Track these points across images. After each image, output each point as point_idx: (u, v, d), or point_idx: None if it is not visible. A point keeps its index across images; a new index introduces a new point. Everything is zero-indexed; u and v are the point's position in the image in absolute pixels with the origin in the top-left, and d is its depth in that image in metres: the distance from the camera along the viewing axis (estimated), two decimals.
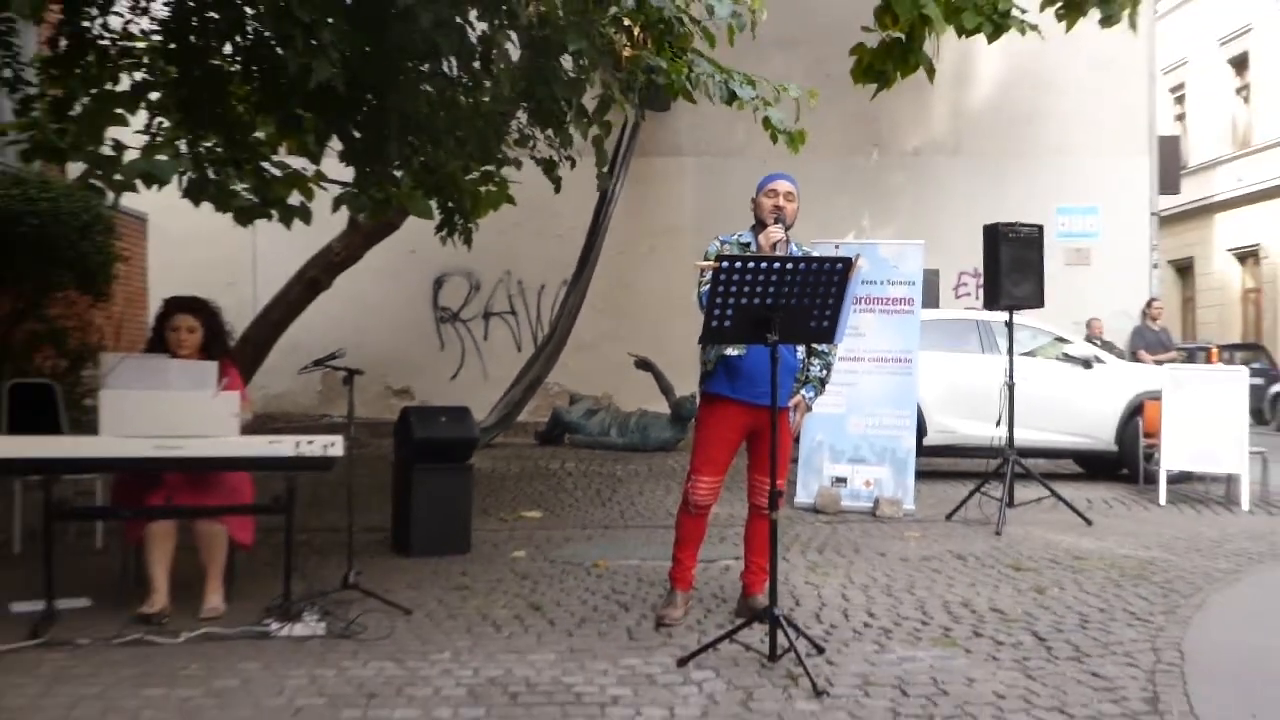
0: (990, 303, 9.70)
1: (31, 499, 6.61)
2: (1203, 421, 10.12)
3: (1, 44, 8.24)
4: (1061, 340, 12.44)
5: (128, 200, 8.35)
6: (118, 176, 7.13)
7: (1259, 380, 19.37)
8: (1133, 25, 10.37)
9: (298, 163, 8.50)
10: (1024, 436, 10.08)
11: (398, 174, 8.43)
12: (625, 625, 5.66)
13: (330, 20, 6.36)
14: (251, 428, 5.97)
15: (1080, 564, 7.34)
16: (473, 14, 7.61)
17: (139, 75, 7.96)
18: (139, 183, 7.18)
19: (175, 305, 6.15)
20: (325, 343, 7.53)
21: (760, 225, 5.64)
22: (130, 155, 7.31)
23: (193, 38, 7.53)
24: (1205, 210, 28.53)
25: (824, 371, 5.73)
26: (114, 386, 5.46)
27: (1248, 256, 27.87)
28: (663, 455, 13.89)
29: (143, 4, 7.92)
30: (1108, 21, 10.07)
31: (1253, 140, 27.44)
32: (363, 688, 4.59)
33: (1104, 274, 17.71)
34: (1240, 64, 28.16)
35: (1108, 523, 9.17)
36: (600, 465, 12.72)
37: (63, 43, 7.58)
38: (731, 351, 5.46)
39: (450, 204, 9.47)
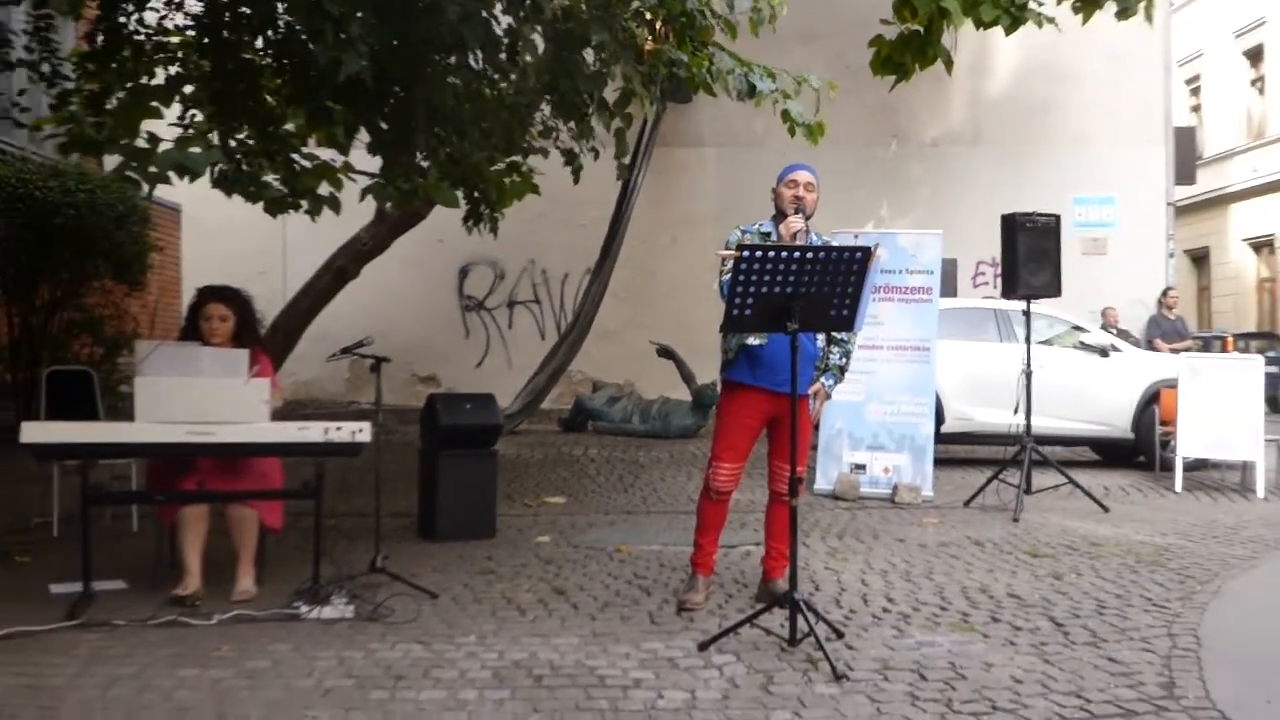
0: (1008, 292, 9.71)
1: (69, 483, 6.69)
2: (1218, 409, 10.13)
3: (40, 40, 8.36)
4: (1079, 329, 12.44)
5: (162, 192, 8.44)
6: (152, 169, 7.21)
7: (1274, 369, 19.27)
8: (1148, 18, 10.39)
9: (326, 154, 8.58)
10: (1041, 424, 10.12)
11: (424, 165, 8.51)
12: (647, 610, 5.71)
13: (359, 14, 6.42)
14: (281, 414, 6.04)
15: (1097, 550, 7.37)
16: (498, 7, 7.67)
17: (173, 69, 8.07)
18: (172, 174, 7.28)
19: (208, 294, 6.22)
20: (353, 331, 7.59)
21: (781, 215, 5.66)
22: (164, 148, 7.40)
23: (225, 32, 7.61)
24: (1221, 200, 28.39)
25: (843, 359, 5.77)
26: (148, 374, 5.55)
27: (1263, 246, 27.71)
28: (684, 442, 13.93)
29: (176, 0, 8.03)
30: (1124, 14, 10.09)
31: (1267, 131, 27.26)
32: (390, 670, 4.65)
33: (1120, 263, 17.71)
34: (1255, 56, 27.98)
35: (1124, 509, 9.19)
36: (622, 452, 12.77)
37: (99, 38, 7.68)
38: (753, 340, 5.50)
39: (476, 194, 9.55)
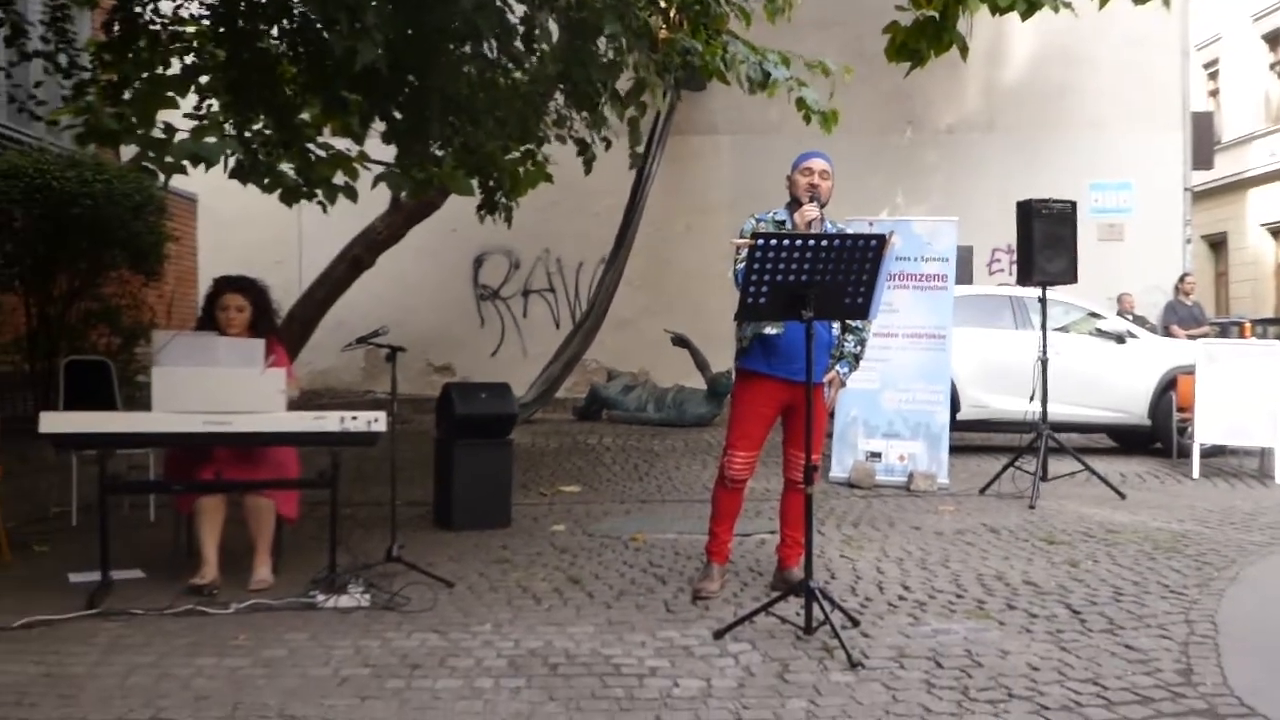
0: (1023, 278, 9.69)
1: (87, 473, 6.72)
2: (1236, 395, 10.11)
3: (56, 30, 8.37)
4: (1095, 315, 12.41)
5: (178, 182, 8.47)
6: (168, 158, 7.24)
7: None
8: (1166, 2, 10.32)
9: (341, 144, 8.60)
10: (1057, 411, 10.09)
11: (439, 154, 8.51)
12: (663, 598, 5.71)
13: (374, 3, 6.43)
14: (297, 404, 6.07)
15: (1114, 537, 7.36)
16: None
17: (189, 59, 8.08)
18: (188, 164, 7.30)
19: (225, 285, 6.25)
20: (369, 320, 7.62)
21: (795, 203, 5.66)
22: (180, 138, 7.42)
23: (241, 21, 7.62)
24: (1238, 185, 28.23)
25: (858, 347, 5.78)
26: (165, 364, 5.59)
27: None
28: (699, 430, 13.94)
29: None
30: None
31: None
32: (406, 658, 4.68)
33: (1137, 249, 17.62)
34: (1273, 40, 27.79)
35: (1141, 496, 9.18)
36: (637, 440, 12.79)
37: (115, 28, 7.70)
38: (770, 330, 5.50)
39: (491, 183, 9.55)
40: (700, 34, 8.72)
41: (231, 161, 7.81)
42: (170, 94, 7.70)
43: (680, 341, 15.03)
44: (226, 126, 7.89)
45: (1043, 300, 9.57)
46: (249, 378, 5.62)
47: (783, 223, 5.67)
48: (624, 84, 8.60)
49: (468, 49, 7.86)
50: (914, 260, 9.80)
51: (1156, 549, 6.97)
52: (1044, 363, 9.24)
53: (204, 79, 8.10)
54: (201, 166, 7.41)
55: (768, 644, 4.88)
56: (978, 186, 17.16)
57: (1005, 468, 9.33)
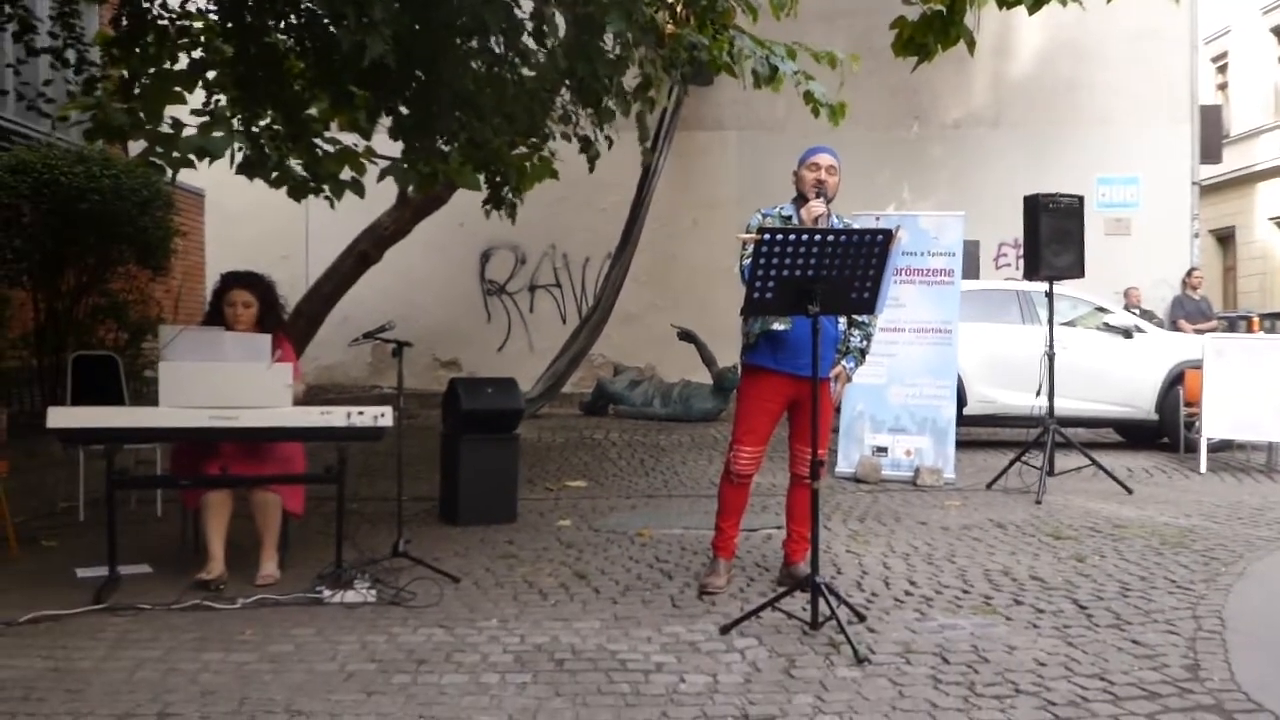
0: (1030, 273, 9.70)
1: (95, 468, 6.72)
2: (1244, 390, 10.09)
3: (65, 25, 8.39)
4: (1102, 310, 12.38)
5: (185, 177, 8.49)
6: (176, 153, 7.25)
7: None
8: None
9: (348, 139, 8.61)
10: (1064, 406, 10.09)
11: (445, 149, 8.51)
12: (669, 593, 5.72)
13: None
14: (304, 399, 6.08)
15: (1121, 532, 7.35)
16: None
17: (197, 54, 8.09)
18: (195, 159, 7.30)
19: (232, 281, 6.24)
20: (375, 315, 7.62)
21: (802, 198, 5.64)
22: (187, 133, 7.43)
23: (248, 16, 7.62)
24: (1247, 179, 28.17)
25: (864, 342, 5.78)
26: (172, 359, 5.60)
27: None
28: (705, 425, 13.96)
29: None
30: None
31: None
32: (412, 654, 4.68)
33: (1144, 244, 17.61)
34: None
35: (1148, 491, 9.16)
36: (644, 435, 12.80)
37: (123, 23, 7.71)
38: (778, 326, 5.49)
39: (498, 178, 9.55)
40: (707, 29, 8.71)
41: (239, 156, 7.80)
42: (178, 89, 7.70)
43: (687, 336, 15.05)
44: (234, 122, 7.89)
45: (1050, 295, 9.57)
46: (255, 373, 5.64)
47: (789, 218, 5.66)
48: (630, 80, 8.59)
49: (475, 44, 7.86)
50: (920, 255, 9.81)
51: (1163, 544, 6.96)
52: (1051, 357, 9.24)
53: (212, 74, 8.10)
54: (208, 161, 7.42)
55: (774, 639, 4.88)
56: (985, 181, 17.16)
57: (1012, 463, 9.32)
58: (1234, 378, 10.16)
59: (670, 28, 8.36)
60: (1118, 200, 17.78)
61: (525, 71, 8.29)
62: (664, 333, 15.61)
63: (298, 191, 8.48)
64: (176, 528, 6.65)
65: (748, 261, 5.12)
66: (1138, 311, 14.20)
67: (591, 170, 9.56)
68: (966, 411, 11.48)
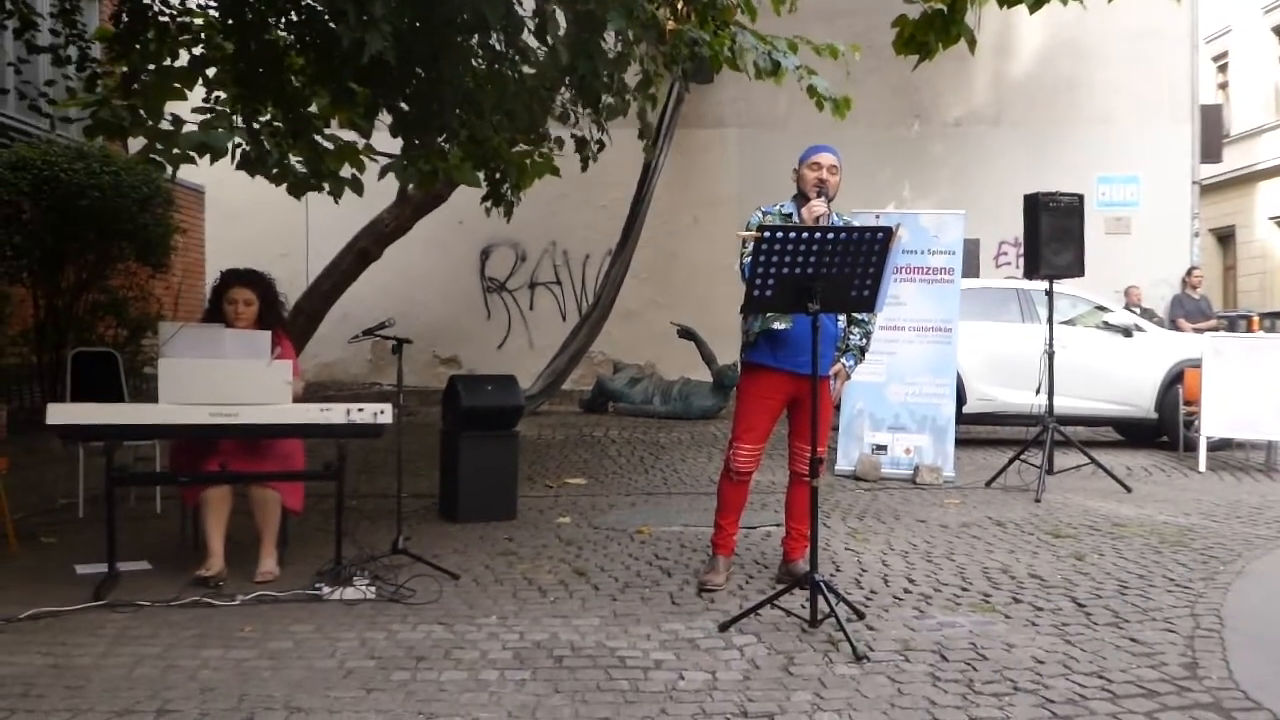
0: (1030, 272, 9.71)
1: (94, 465, 6.73)
2: (1243, 389, 10.10)
3: (66, 22, 8.38)
4: (1102, 309, 12.38)
5: (185, 174, 8.49)
6: (176, 150, 7.24)
7: None
8: None
9: (349, 136, 8.61)
10: (1064, 404, 10.10)
11: (445, 146, 8.51)
12: (668, 590, 5.72)
13: None
14: (303, 396, 6.08)
15: (1119, 530, 7.35)
16: None
17: (197, 50, 8.09)
18: (195, 155, 7.30)
19: (232, 278, 6.23)
20: (375, 312, 7.63)
21: (802, 196, 5.63)
22: (188, 129, 7.43)
23: (249, 13, 7.61)
24: (1247, 179, 28.16)
25: (864, 340, 5.78)
26: (172, 355, 5.60)
27: None
28: (705, 423, 13.97)
29: None
30: None
31: None
32: (411, 650, 4.68)
33: (1144, 243, 17.62)
34: None
35: (1147, 490, 9.17)
36: (643, 433, 12.81)
37: (124, 19, 7.70)
38: (778, 325, 5.49)
39: (498, 175, 9.55)
40: (708, 25, 8.70)
41: (239, 153, 7.80)
42: (178, 85, 7.70)
43: (686, 334, 15.06)
44: (235, 118, 7.89)
45: (1050, 293, 9.58)
46: (255, 369, 5.64)
47: (790, 216, 5.65)
48: (631, 77, 8.58)
49: (475, 41, 7.85)
50: (921, 253, 9.81)
51: (1162, 542, 6.96)
52: (1051, 356, 9.24)
53: (212, 71, 8.10)
54: (208, 158, 7.41)
55: (773, 637, 4.88)
56: (985, 179, 17.16)
57: (1011, 461, 9.33)
58: (1233, 377, 10.16)
59: (671, 24, 8.35)
60: (1118, 199, 17.78)
61: (526, 69, 8.29)
62: (664, 330, 15.62)
63: (298, 188, 8.48)
64: (176, 524, 6.65)
65: (748, 259, 5.11)
66: (1138, 310, 14.21)
67: (584, 170, 9.55)
68: (966, 410, 11.49)
